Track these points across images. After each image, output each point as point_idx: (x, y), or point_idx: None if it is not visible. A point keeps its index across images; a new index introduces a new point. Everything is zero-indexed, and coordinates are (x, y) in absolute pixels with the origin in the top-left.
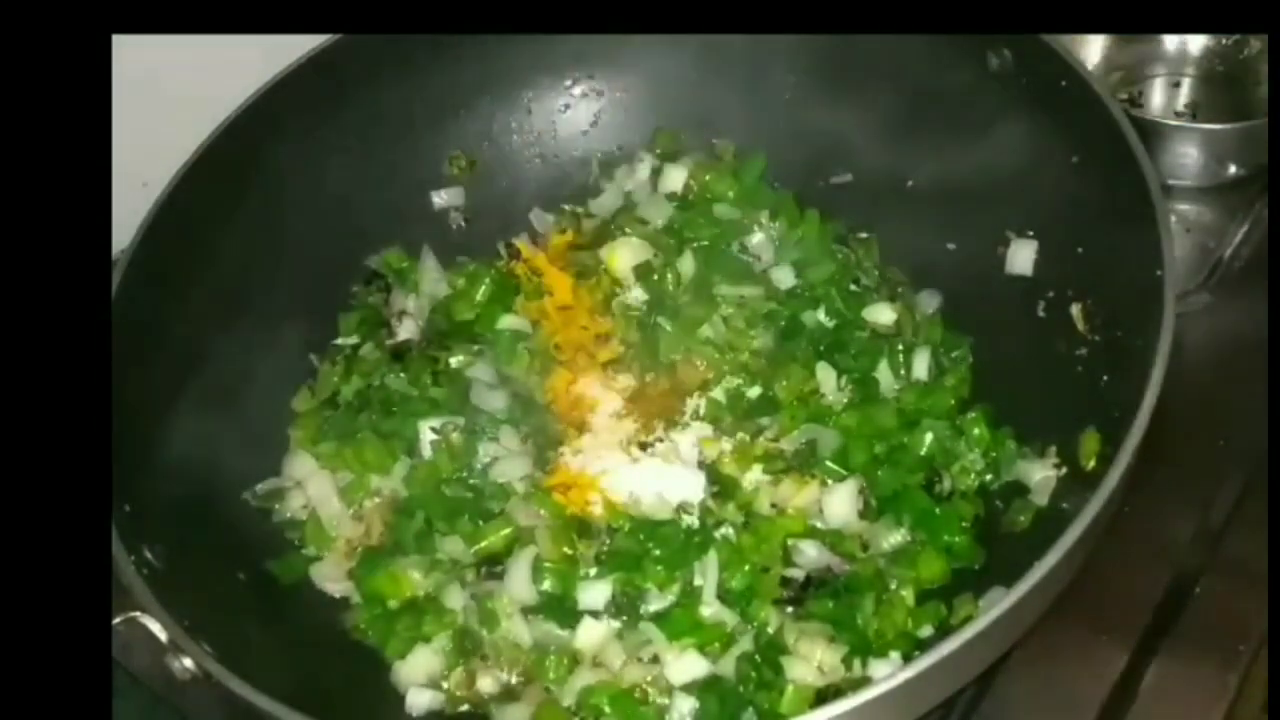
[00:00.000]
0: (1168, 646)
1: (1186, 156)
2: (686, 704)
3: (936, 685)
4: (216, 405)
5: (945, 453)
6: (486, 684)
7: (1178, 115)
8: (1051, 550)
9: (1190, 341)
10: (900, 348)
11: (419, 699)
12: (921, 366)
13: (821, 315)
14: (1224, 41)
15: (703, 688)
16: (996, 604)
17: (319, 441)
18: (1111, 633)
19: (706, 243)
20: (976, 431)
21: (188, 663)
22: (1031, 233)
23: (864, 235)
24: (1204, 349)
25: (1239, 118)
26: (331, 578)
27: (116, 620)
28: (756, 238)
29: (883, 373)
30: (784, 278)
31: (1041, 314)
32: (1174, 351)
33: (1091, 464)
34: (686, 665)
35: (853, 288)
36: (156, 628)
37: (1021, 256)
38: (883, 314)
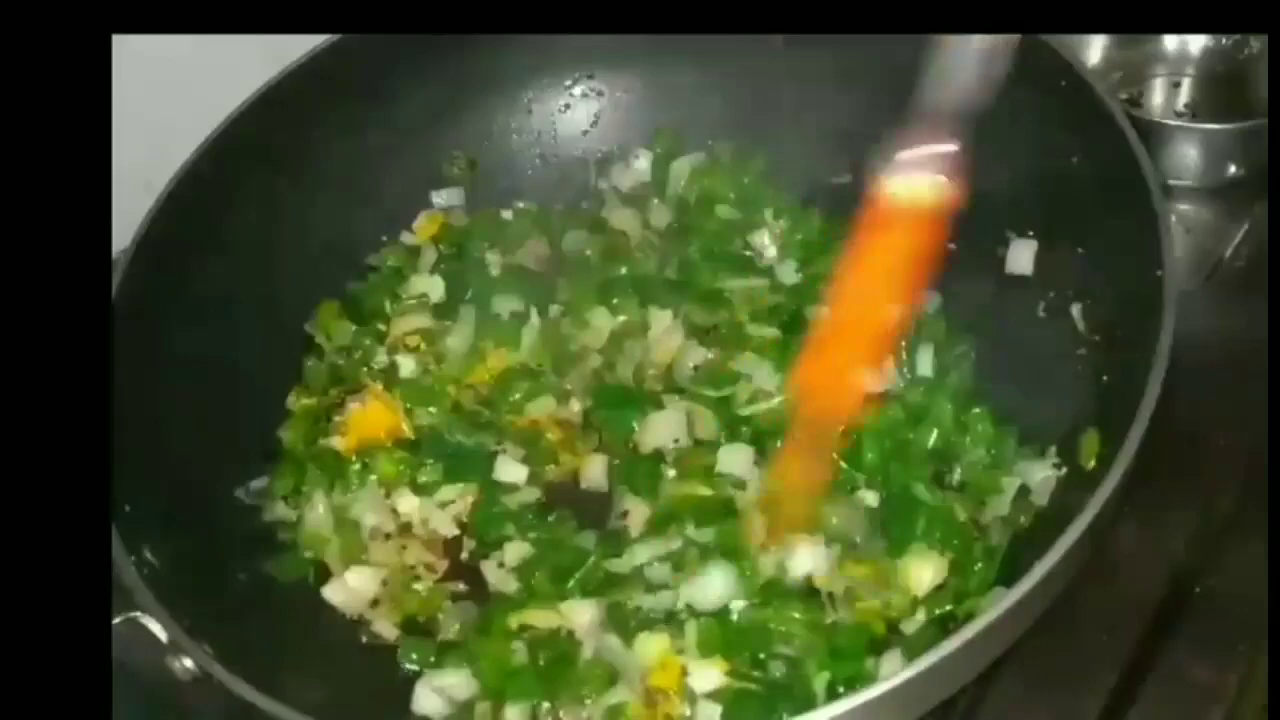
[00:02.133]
0: (1168, 647)
1: (1187, 157)
2: (711, 710)
3: (936, 685)
4: (217, 405)
5: (950, 448)
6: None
7: (1178, 115)
8: (1051, 550)
9: (1190, 341)
10: (903, 344)
11: (427, 703)
12: (925, 363)
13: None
14: (1224, 42)
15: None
16: (996, 604)
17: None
18: (1111, 633)
19: (711, 239)
20: (980, 428)
21: (188, 663)
22: (1031, 233)
23: None
24: (1204, 349)
25: (1239, 118)
26: (347, 601)
27: (117, 620)
28: (760, 235)
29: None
30: (787, 274)
31: (1042, 314)
32: (1174, 351)
33: (1092, 464)
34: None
35: None
36: (157, 628)
37: (1021, 256)
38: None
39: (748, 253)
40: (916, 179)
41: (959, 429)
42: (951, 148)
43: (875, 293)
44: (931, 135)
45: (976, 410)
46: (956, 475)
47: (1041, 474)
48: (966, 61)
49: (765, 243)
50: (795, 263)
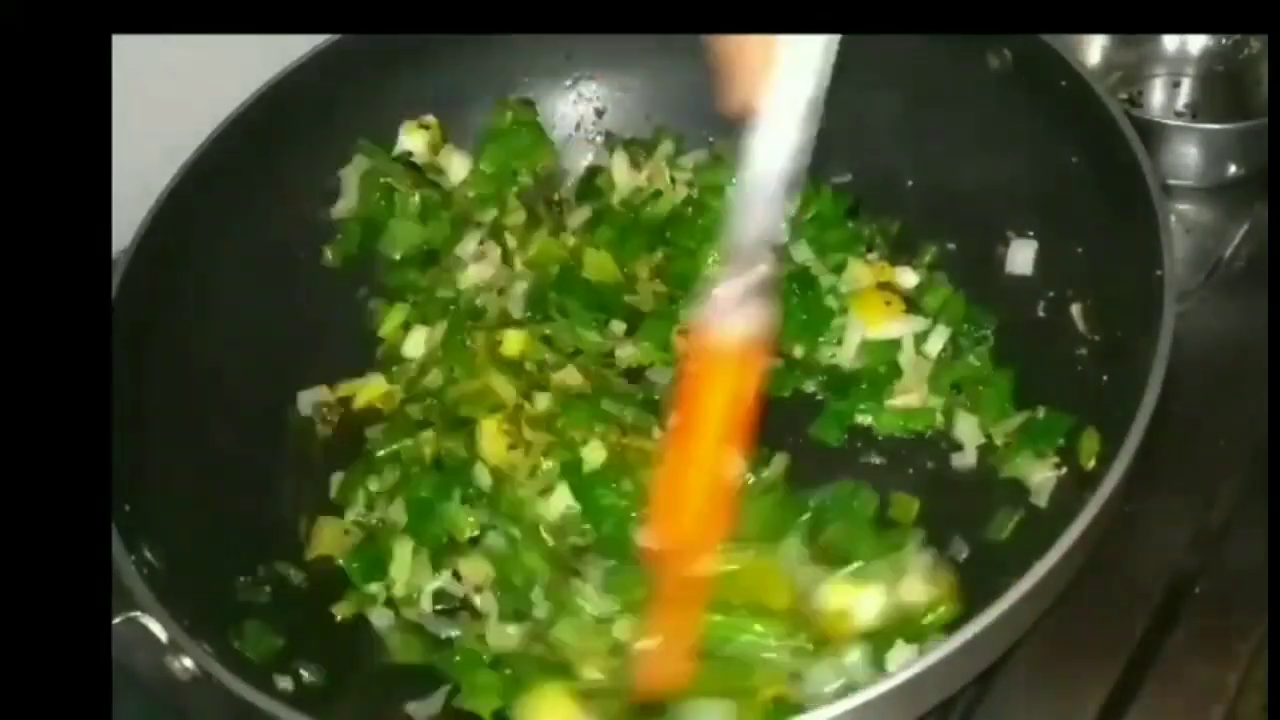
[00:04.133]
0: (1167, 647)
1: (1186, 156)
2: None
3: (935, 685)
4: (217, 404)
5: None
6: None
7: (1178, 115)
8: (1052, 550)
9: (1190, 341)
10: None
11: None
12: (937, 342)
13: (839, 282)
14: (1224, 42)
15: None
16: (996, 604)
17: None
18: (1111, 633)
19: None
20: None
21: (188, 663)
22: (1031, 233)
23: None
24: (1204, 349)
25: (1239, 118)
26: None
27: (116, 620)
28: None
29: (905, 342)
30: (800, 253)
31: (1041, 314)
32: (1174, 351)
33: (1091, 464)
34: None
35: (869, 256)
36: (156, 628)
37: (1021, 256)
38: (906, 277)
39: None
40: (738, 316)
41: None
42: (765, 272)
43: (713, 441)
44: (745, 267)
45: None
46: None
47: (1041, 475)
48: (769, 197)
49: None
50: (806, 240)
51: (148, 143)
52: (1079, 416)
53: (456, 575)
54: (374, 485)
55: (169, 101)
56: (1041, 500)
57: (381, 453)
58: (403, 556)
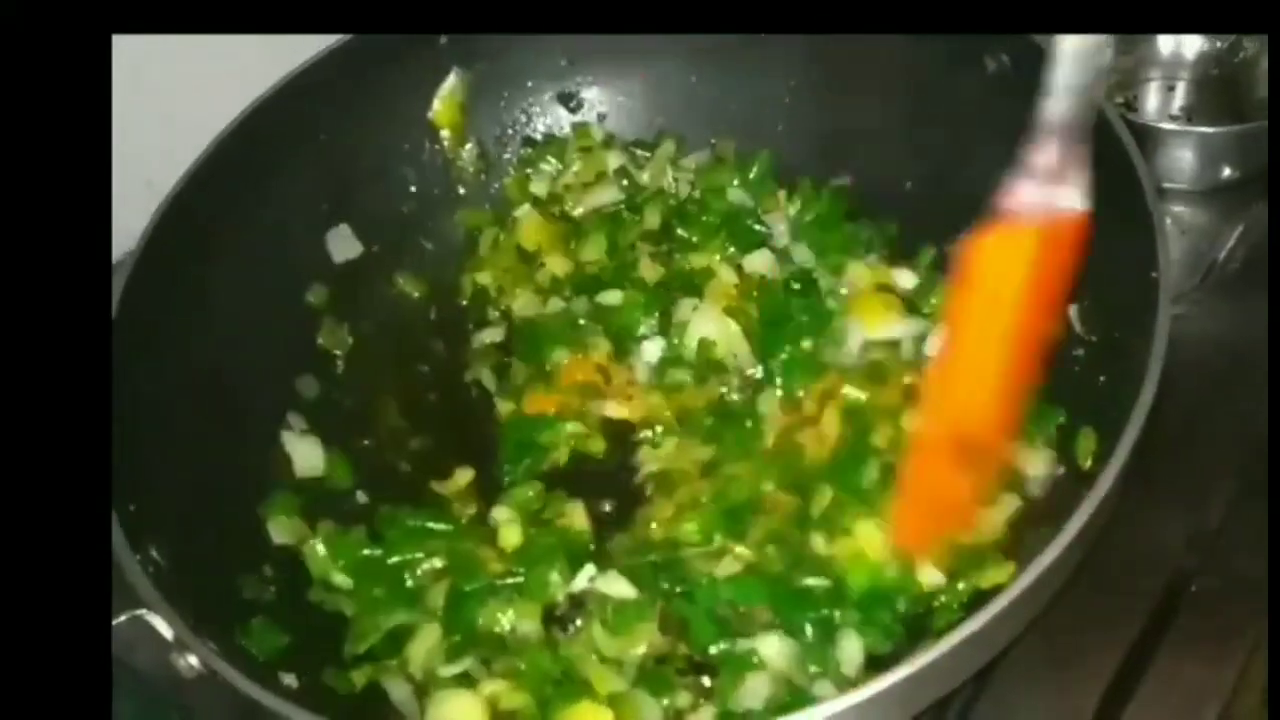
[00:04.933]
0: (1164, 646)
1: (1182, 160)
2: None
3: (932, 683)
4: (223, 403)
5: None
6: None
7: (1173, 119)
8: (1047, 550)
9: (1185, 343)
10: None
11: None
12: (936, 344)
13: (839, 284)
14: (1219, 45)
15: None
16: (993, 604)
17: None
18: (1107, 632)
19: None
20: None
21: (193, 660)
22: None
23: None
24: (1199, 350)
25: (1234, 121)
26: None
27: (121, 618)
28: (773, 217)
29: (904, 344)
30: (799, 254)
31: None
32: (1170, 352)
33: (1088, 463)
34: None
35: (869, 258)
36: (162, 625)
37: None
38: (904, 278)
39: (758, 227)
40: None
41: None
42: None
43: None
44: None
45: None
46: None
47: (1037, 465)
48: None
49: (779, 226)
50: (806, 242)
51: (153, 143)
52: (1076, 416)
53: None
54: None
55: (171, 98)
56: (1036, 491)
57: None
58: None
